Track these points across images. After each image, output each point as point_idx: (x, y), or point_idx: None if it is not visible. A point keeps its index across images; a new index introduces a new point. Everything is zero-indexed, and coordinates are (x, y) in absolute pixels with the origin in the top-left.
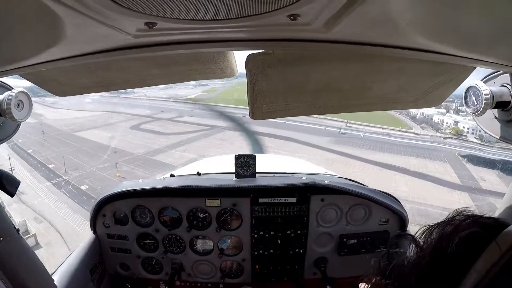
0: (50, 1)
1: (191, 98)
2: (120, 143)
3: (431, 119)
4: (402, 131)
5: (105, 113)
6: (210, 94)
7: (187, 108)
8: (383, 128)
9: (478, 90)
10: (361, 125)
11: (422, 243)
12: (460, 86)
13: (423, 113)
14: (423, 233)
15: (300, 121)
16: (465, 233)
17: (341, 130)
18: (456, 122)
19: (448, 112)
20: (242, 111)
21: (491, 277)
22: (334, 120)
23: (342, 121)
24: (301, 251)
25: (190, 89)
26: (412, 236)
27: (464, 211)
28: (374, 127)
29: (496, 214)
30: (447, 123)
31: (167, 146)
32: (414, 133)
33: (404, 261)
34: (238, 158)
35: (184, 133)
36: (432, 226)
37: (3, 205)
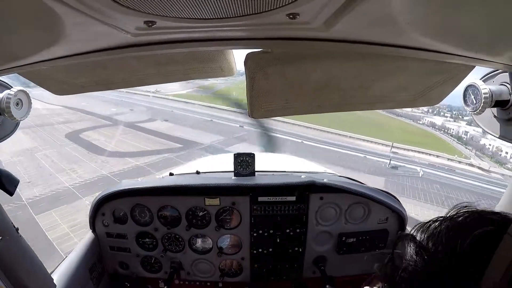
0: (50, 0)
1: (180, 95)
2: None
3: (478, 141)
4: (462, 162)
5: (60, 108)
6: (206, 92)
7: (167, 108)
8: (437, 157)
9: (477, 89)
10: (407, 149)
11: (424, 243)
12: (459, 84)
13: (466, 132)
14: (420, 230)
15: (322, 141)
16: (479, 232)
17: (390, 162)
18: None
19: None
20: (240, 119)
21: None
22: (366, 141)
23: (380, 142)
24: (300, 250)
25: (184, 82)
26: (413, 236)
27: (466, 206)
28: (425, 153)
29: (496, 209)
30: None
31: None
32: (480, 168)
33: (411, 264)
34: (237, 156)
35: (132, 155)
36: (429, 222)
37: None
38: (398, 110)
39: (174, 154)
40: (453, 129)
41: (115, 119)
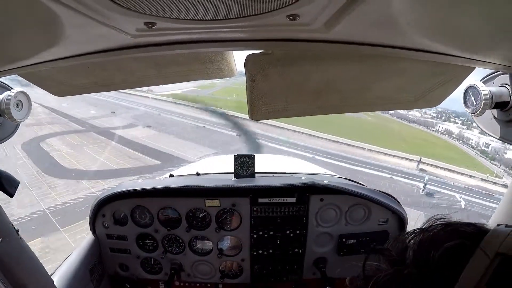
0: (50, 1)
1: (174, 95)
2: None
3: (503, 154)
4: (497, 183)
5: (38, 107)
6: (204, 91)
7: (155, 110)
8: (470, 176)
9: (477, 90)
10: (434, 165)
11: (398, 256)
12: (460, 86)
13: (487, 144)
14: (396, 243)
15: (336, 155)
16: (450, 244)
17: (426, 187)
18: None
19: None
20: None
21: (484, 286)
22: (385, 154)
23: (400, 156)
24: (301, 251)
25: None
26: (385, 249)
27: (440, 218)
28: (456, 171)
29: (492, 218)
30: None
31: None
32: None
33: (383, 276)
34: (237, 158)
35: (92, 176)
36: (405, 235)
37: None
38: (410, 116)
39: (147, 177)
40: (472, 139)
41: (90, 124)
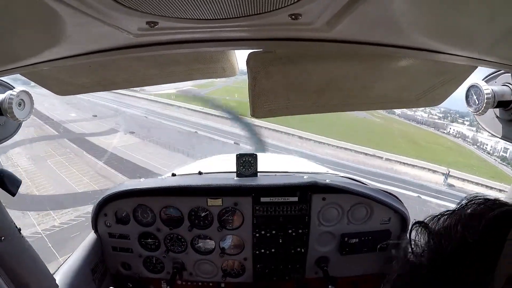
0: (52, 0)
1: (169, 94)
2: None
3: None
4: None
5: None
6: (202, 90)
7: (143, 113)
8: (500, 191)
9: (480, 89)
10: (461, 178)
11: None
12: (462, 85)
13: (506, 149)
14: (431, 222)
15: (350, 167)
16: (490, 216)
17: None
18: None
19: None
20: (236, 130)
21: None
22: (405, 164)
23: (421, 166)
24: (303, 250)
25: None
26: (426, 224)
27: (476, 197)
28: (486, 186)
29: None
30: None
31: None
32: None
33: (419, 254)
34: (240, 157)
35: (40, 204)
36: (441, 214)
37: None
38: (418, 117)
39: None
40: (486, 144)
41: (65, 129)
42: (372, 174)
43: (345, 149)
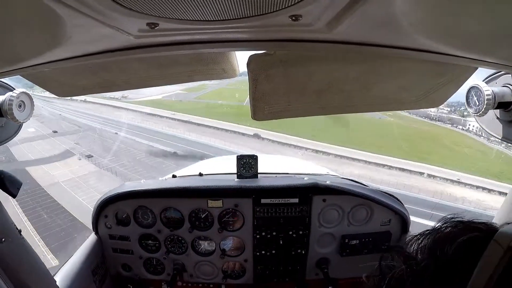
0: (52, 2)
1: (153, 101)
2: None
3: None
4: None
5: None
6: (192, 94)
7: (115, 127)
8: None
9: (480, 90)
10: None
11: (413, 255)
12: (462, 86)
13: None
14: (411, 242)
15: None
16: (463, 238)
17: None
18: None
19: None
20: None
21: (498, 276)
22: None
23: (475, 184)
24: (303, 252)
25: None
26: (401, 247)
27: (453, 218)
28: None
29: (494, 218)
30: None
31: None
32: None
33: (398, 273)
34: (240, 158)
35: None
36: (420, 234)
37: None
38: (431, 113)
39: None
40: None
41: (7, 156)
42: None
43: (376, 164)
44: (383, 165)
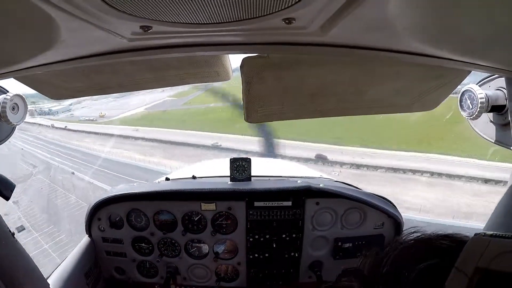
0: (45, 4)
1: (128, 119)
2: None
3: None
4: None
5: None
6: (180, 100)
7: (76, 163)
8: None
9: (474, 94)
10: None
11: (367, 274)
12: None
13: None
14: (368, 259)
15: None
16: (424, 265)
17: None
18: None
19: None
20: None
21: None
22: None
23: None
24: (297, 255)
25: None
26: (359, 270)
27: (415, 231)
28: None
29: (485, 226)
30: None
31: None
32: None
33: None
34: (233, 161)
35: None
36: (374, 250)
37: None
38: None
39: None
40: None
41: None
42: None
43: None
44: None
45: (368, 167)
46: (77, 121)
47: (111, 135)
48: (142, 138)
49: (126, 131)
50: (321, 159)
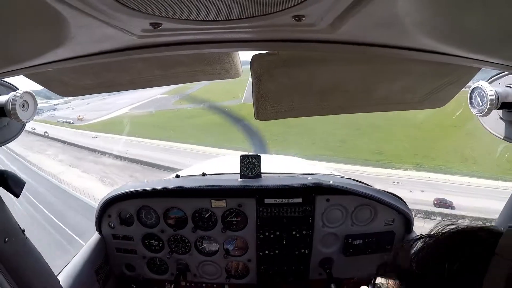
0: (56, 2)
1: (107, 122)
2: None
3: None
4: None
5: None
6: (172, 97)
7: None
8: None
9: (483, 91)
10: None
11: (407, 265)
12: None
13: None
14: (403, 252)
15: None
16: (466, 256)
17: None
18: None
19: None
20: None
21: None
22: None
23: None
24: (307, 252)
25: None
26: (395, 264)
27: (451, 224)
28: None
29: (497, 219)
30: None
31: None
32: None
33: None
34: (243, 158)
35: None
36: (410, 242)
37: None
38: None
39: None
40: None
41: None
42: None
43: None
44: None
45: None
46: (55, 123)
47: (79, 146)
48: (110, 154)
49: (95, 142)
50: None
